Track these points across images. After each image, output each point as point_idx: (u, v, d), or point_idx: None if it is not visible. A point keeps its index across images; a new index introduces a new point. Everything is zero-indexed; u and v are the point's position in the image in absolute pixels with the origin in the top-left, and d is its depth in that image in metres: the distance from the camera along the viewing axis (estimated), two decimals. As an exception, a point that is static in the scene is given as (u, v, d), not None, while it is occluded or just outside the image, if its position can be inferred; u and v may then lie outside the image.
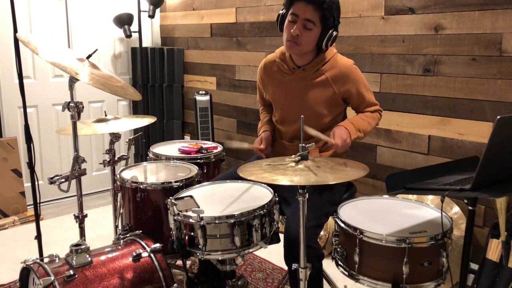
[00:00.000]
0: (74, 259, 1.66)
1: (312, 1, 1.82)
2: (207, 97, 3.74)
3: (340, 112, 2.06)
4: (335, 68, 1.96)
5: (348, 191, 2.05)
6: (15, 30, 2.21)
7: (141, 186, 2.03)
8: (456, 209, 2.44)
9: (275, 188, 1.79)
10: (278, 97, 2.09)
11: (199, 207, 1.65)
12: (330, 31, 1.87)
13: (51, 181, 1.92)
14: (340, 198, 1.96)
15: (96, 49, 2.16)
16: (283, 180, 1.41)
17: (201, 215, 1.55)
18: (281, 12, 1.94)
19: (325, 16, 1.84)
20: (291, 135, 2.09)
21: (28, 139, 2.32)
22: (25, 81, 2.53)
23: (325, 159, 1.66)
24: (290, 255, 1.72)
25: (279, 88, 2.07)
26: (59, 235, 3.19)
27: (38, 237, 2.41)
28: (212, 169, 2.45)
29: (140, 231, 1.91)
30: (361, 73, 2.00)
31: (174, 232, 1.65)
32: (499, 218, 2.23)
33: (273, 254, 2.87)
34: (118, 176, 2.14)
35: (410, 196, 2.35)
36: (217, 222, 1.57)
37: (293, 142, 2.08)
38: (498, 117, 1.23)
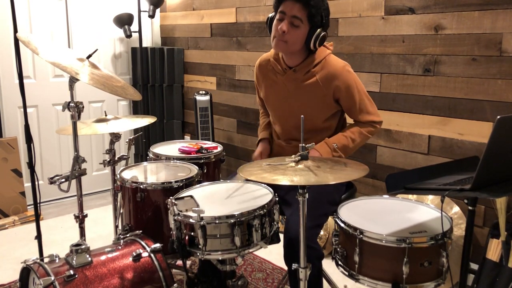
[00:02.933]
0: (74, 259, 1.66)
1: None
2: (207, 97, 3.74)
3: (334, 114, 2.03)
4: (325, 69, 1.94)
5: (348, 191, 2.05)
6: (15, 30, 2.21)
7: (141, 186, 2.03)
8: (456, 209, 2.44)
9: (274, 188, 1.79)
10: (270, 97, 2.09)
11: (199, 207, 1.66)
12: (318, 30, 1.87)
13: (51, 181, 1.92)
14: (340, 198, 1.96)
15: (96, 49, 2.16)
16: (283, 180, 1.41)
17: (201, 215, 1.56)
18: (270, 15, 1.96)
19: (312, 14, 1.85)
20: (286, 136, 2.09)
21: (28, 139, 2.32)
22: (25, 81, 2.53)
23: (325, 159, 1.66)
24: (290, 255, 1.72)
25: (271, 88, 2.07)
26: (59, 235, 3.19)
27: (38, 237, 2.41)
28: (212, 169, 2.45)
29: (140, 231, 1.91)
30: (355, 77, 1.97)
31: (174, 232, 1.65)
32: (499, 218, 2.23)
33: (273, 254, 2.87)
34: (118, 176, 2.14)
35: (410, 196, 2.35)
36: (217, 222, 1.57)
37: (290, 143, 2.08)
38: (498, 117, 1.23)
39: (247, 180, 1.87)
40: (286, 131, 2.08)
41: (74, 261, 1.65)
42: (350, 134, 1.98)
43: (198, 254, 1.60)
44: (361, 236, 1.52)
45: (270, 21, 1.95)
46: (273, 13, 1.95)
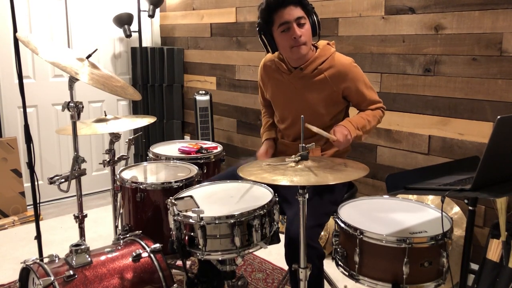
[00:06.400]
0: (74, 259, 1.66)
1: (289, 2, 1.86)
2: (207, 97, 3.74)
3: (341, 111, 2.05)
4: (334, 67, 1.96)
5: (348, 191, 2.05)
6: (15, 30, 2.20)
7: (141, 186, 2.03)
8: (456, 209, 2.44)
9: (276, 188, 1.79)
10: (278, 96, 2.09)
11: (199, 207, 1.65)
12: (314, 16, 1.92)
13: (51, 181, 1.92)
14: (341, 198, 1.96)
15: (96, 49, 2.16)
16: (283, 180, 1.41)
17: (201, 215, 1.55)
18: (263, 37, 1.94)
19: (304, 5, 1.89)
20: (293, 135, 2.09)
21: (28, 139, 2.31)
22: (25, 81, 2.52)
23: (325, 159, 1.66)
24: (291, 255, 1.72)
25: (278, 88, 2.08)
26: (59, 235, 3.19)
27: (38, 237, 2.41)
28: (212, 169, 2.45)
29: (140, 231, 1.91)
30: (361, 71, 2.00)
31: (174, 232, 1.65)
32: (499, 218, 2.22)
33: (273, 254, 2.87)
34: (118, 176, 2.14)
35: (410, 196, 2.35)
36: (217, 222, 1.57)
37: (296, 141, 2.08)
38: (499, 117, 1.23)
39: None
40: (294, 131, 2.08)
41: (73, 261, 1.65)
42: (366, 116, 2.00)
43: (198, 254, 1.60)
44: (361, 236, 1.52)
45: (269, 40, 1.94)
46: (262, 34, 1.93)
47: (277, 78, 2.07)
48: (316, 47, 2.01)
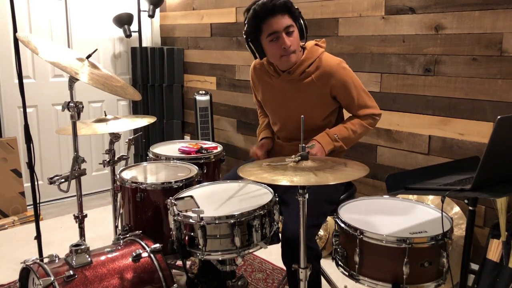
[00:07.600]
0: (74, 259, 1.66)
1: (277, 11, 1.84)
2: (207, 97, 3.74)
3: (333, 111, 2.03)
4: (320, 68, 1.94)
5: (348, 191, 2.04)
6: (15, 30, 2.20)
7: (141, 186, 2.03)
8: (456, 209, 2.44)
9: (272, 188, 1.79)
10: (268, 99, 2.10)
11: (199, 207, 1.65)
12: (301, 20, 1.90)
13: (51, 181, 1.92)
14: (339, 198, 1.96)
15: (96, 49, 2.16)
16: (283, 180, 1.41)
17: (201, 215, 1.55)
18: (251, 44, 1.95)
19: (292, 12, 1.87)
20: (286, 136, 2.09)
21: (28, 139, 2.31)
22: (25, 81, 2.52)
23: (325, 159, 1.66)
24: (288, 255, 1.72)
25: (268, 91, 2.08)
26: (59, 235, 3.19)
27: (38, 237, 2.41)
28: (212, 169, 2.45)
29: (140, 231, 1.91)
30: (351, 72, 1.97)
31: (174, 232, 1.65)
32: (499, 218, 2.22)
33: (273, 254, 2.87)
34: (118, 176, 2.14)
35: (410, 196, 2.35)
36: (217, 222, 1.57)
37: (290, 142, 2.08)
38: (499, 117, 1.23)
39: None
40: (286, 132, 2.08)
41: (73, 261, 1.65)
42: (351, 125, 1.98)
43: (198, 254, 1.60)
44: (361, 236, 1.52)
45: (257, 48, 1.94)
46: (250, 42, 1.95)
47: (267, 81, 2.07)
48: (304, 48, 1.99)
